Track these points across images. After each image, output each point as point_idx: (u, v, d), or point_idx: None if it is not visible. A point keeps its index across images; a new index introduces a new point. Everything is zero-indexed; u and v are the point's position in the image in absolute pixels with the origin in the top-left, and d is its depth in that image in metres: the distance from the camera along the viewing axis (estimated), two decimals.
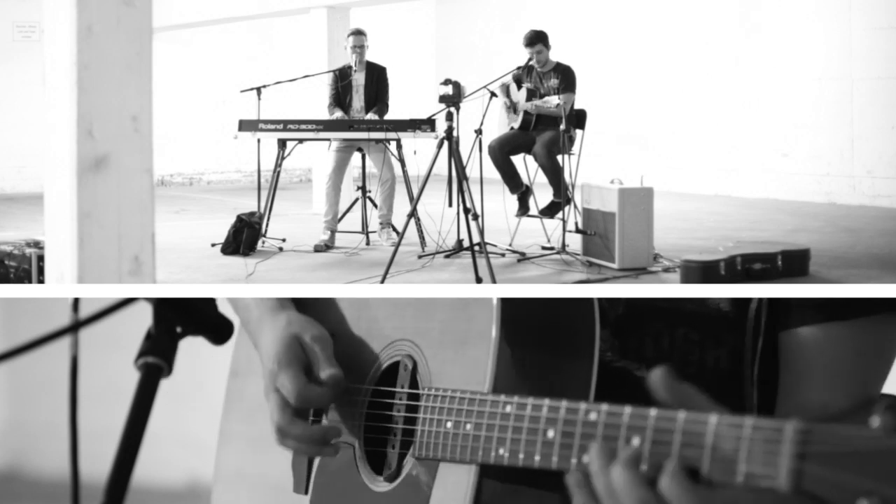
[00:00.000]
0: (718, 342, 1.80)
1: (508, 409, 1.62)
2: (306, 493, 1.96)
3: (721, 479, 1.31)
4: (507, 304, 1.72)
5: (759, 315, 1.80)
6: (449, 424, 1.71)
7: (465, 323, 1.76)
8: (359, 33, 7.93)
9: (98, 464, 2.07)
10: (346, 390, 1.91)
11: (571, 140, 7.02)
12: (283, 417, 1.87)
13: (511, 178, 7.37)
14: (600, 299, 1.78)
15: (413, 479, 1.78)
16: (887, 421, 1.20)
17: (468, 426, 1.68)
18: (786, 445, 1.26)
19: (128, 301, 1.61)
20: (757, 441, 1.29)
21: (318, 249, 7.38)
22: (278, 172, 7.79)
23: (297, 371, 1.87)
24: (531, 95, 7.31)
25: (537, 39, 7.28)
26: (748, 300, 1.80)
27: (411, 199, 7.01)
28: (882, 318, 1.73)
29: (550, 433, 1.55)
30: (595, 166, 9.69)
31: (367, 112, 7.84)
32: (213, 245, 7.38)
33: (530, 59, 7.32)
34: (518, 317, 1.72)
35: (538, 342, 1.72)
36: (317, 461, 1.97)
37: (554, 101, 7.06)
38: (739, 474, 1.29)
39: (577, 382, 1.70)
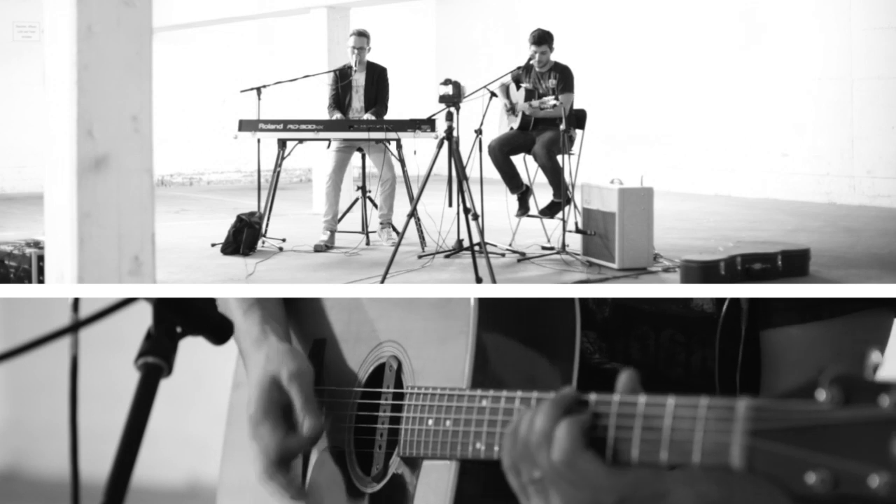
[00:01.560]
0: (704, 344, 1.81)
1: (484, 403, 1.64)
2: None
3: (679, 460, 1.33)
4: (486, 301, 1.75)
5: (735, 315, 1.81)
6: (430, 422, 1.74)
7: (447, 321, 1.78)
8: (361, 34, 7.92)
9: (98, 464, 2.07)
10: (336, 394, 1.93)
11: (571, 140, 7.02)
12: (264, 467, 1.92)
13: (511, 178, 7.37)
14: (588, 301, 1.79)
15: (398, 479, 1.81)
16: (833, 393, 1.21)
17: (448, 422, 1.70)
18: (738, 423, 1.28)
19: (128, 301, 1.61)
20: (711, 420, 1.31)
21: (318, 249, 7.38)
22: (278, 172, 7.79)
23: (274, 423, 1.90)
24: (530, 95, 7.31)
25: (544, 39, 7.27)
26: (735, 304, 1.80)
27: (411, 199, 7.01)
28: (862, 315, 1.74)
29: None
30: (595, 166, 9.69)
31: (367, 113, 7.83)
32: (213, 245, 7.38)
33: (531, 59, 7.31)
34: (498, 314, 1.75)
35: (518, 339, 1.75)
36: (311, 466, 1.98)
37: (550, 101, 7.06)
38: (696, 454, 1.31)
39: (558, 380, 1.71)
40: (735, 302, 1.80)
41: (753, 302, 1.80)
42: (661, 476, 1.39)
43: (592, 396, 1.46)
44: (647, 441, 1.37)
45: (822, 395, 1.22)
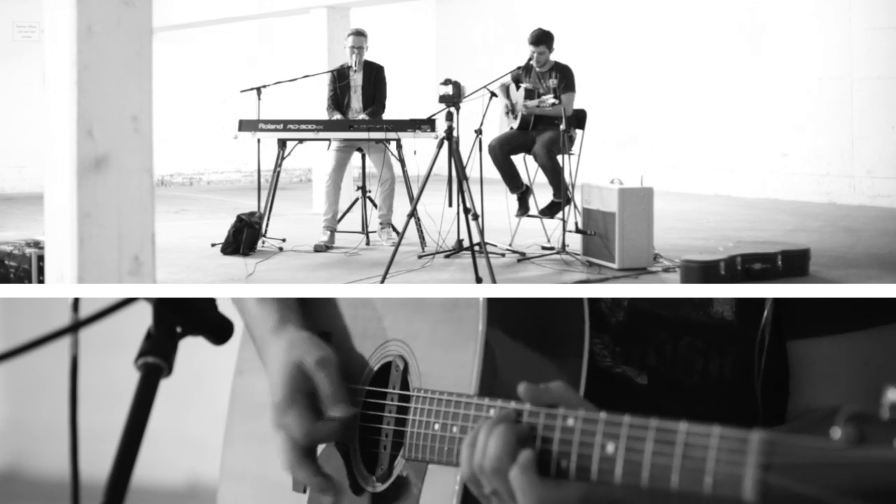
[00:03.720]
0: (723, 352, 1.80)
1: (492, 412, 1.63)
2: (304, 491, 1.98)
3: (689, 487, 1.34)
4: (494, 305, 1.73)
5: (755, 324, 1.80)
6: (436, 427, 1.73)
7: (454, 325, 1.77)
8: (359, 34, 7.92)
9: (98, 464, 2.07)
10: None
11: (571, 140, 7.02)
12: (291, 458, 1.89)
13: (511, 178, 7.37)
14: (601, 304, 1.78)
15: (404, 481, 1.80)
16: (848, 432, 1.21)
17: (454, 429, 1.70)
18: (751, 456, 1.28)
19: (128, 301, 1.61)
20: (724, 451, 1.32)
21: (318, 249, 7.38)
22: (278, 172, 7.79)
23: (302, 409, 1.87)
24: (530, 95, 7.30)
25: (542, 40, 7.26)
26: (757, 313, 1.80)
27: (411, 199, 7.01)
28: (888, 329, 1.73)
29: None
30: (595, 166, 9.68)
31: (364, 112, 7.83)
32: (213, 245, 7.38)
33: (530, 59, 7.31)
34: (506, 319, 1.74)
35: (526, 344, 1.74)
36: (317, 459, 1.98)
37: (550, 100, 7.05)
38: (707, 483, 1.31)
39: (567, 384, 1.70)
40: (760, 312, 1.80)
41: (778, 312, 1.79)
42: (612, 489, 1.44)
43: (602, 415, 1.47)
44: (658, 466, 1.37)
45: (837, 433, 1.22)
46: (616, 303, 1.79)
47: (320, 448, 1.97)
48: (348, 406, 1.86)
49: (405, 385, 1.84)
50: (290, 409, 1.86)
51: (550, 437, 1.50)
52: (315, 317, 2.04)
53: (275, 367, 1.91)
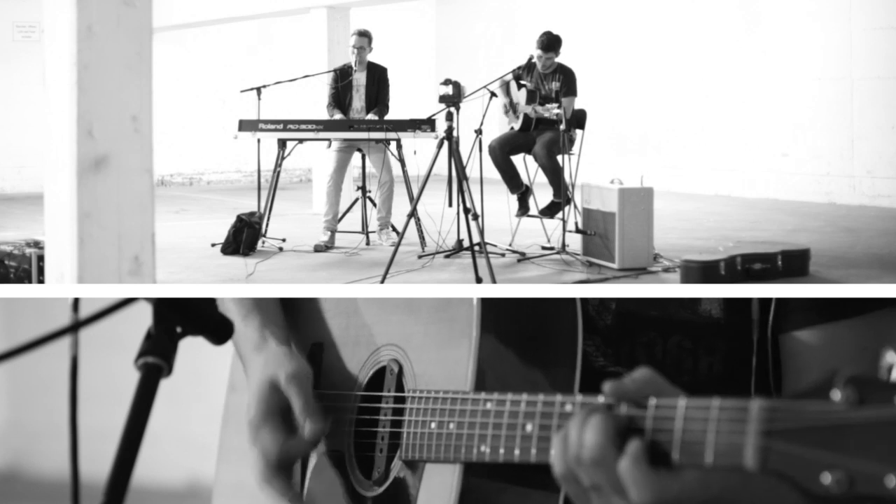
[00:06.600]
0: (712, 349, 1.80)
1: (489, 406, 1.64)
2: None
3: (690, 461, 1.33)
4: (488, 304, 1.74)
5: (748, 319, 1.80)
6: (433, 425, 1.73)
7: (448, 324, 1.78)
8: (362, 34, 7.92)
9: (98, 464, 2.07)
10: (336, 398, 1.93)
11: (571, 140, 7.02)
12: (265, 471, 1.91)
13: (511, 178, 7.37)
14: (588, 307, 1.78)
15: (400, 482, 1.80)
16: (848, 394, 1.21)
17: (451, 425, 1.70)
18: (751, 424, 1.28)
19: (128, 301, 1.61)
20: (724, 421, 1.31)
21: (317, 249, 7.38)
22: (278, 172, 7.79)
23: (274, 426, 1.89)
24: (531, 96, 7.30)
25: (552, 46, 7.21)
26: (746, 311, 1.80)
27: (411, 199, 7.01)
28: (885, 313, 1.74)
29: (529, 427, 1.57)
30: (595, 166, 9.68)
31: (367, 113, 7.83)
32: (213, 245, 7.38)
33: (531, 58, 7.30)
34: (499, 317, 1.74)
35: (520, 342, 1.74)
36: (310, 469, 1.98)
37: (554, 110, 7.04)
38: (708, 455, 1.30)
39: (561, 382, 1.71)
40: (749, 307, 1.80)
41: (769, 306, 1.79)
42: (709, 474, 1.37)
43: (601, 398, 1.46)
44: (658, 443, 1.37)
45: (836, 395, 1.22)
46: (604, 305, 1.79)
47: (314, 460, 1.97)
48: (320, 419, 1.87)
49: (400, 388, 1.84)
50: (263, 426, 1.89)
51: (651, 426, 1.42)
52: (306, 328, 2.04)
53: (252, 384, 1.94)
